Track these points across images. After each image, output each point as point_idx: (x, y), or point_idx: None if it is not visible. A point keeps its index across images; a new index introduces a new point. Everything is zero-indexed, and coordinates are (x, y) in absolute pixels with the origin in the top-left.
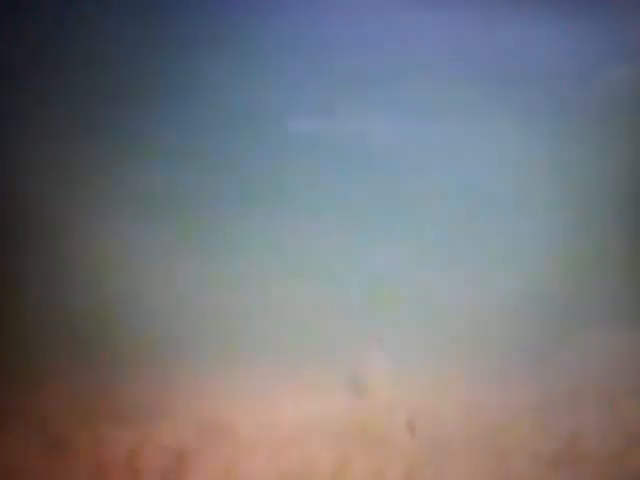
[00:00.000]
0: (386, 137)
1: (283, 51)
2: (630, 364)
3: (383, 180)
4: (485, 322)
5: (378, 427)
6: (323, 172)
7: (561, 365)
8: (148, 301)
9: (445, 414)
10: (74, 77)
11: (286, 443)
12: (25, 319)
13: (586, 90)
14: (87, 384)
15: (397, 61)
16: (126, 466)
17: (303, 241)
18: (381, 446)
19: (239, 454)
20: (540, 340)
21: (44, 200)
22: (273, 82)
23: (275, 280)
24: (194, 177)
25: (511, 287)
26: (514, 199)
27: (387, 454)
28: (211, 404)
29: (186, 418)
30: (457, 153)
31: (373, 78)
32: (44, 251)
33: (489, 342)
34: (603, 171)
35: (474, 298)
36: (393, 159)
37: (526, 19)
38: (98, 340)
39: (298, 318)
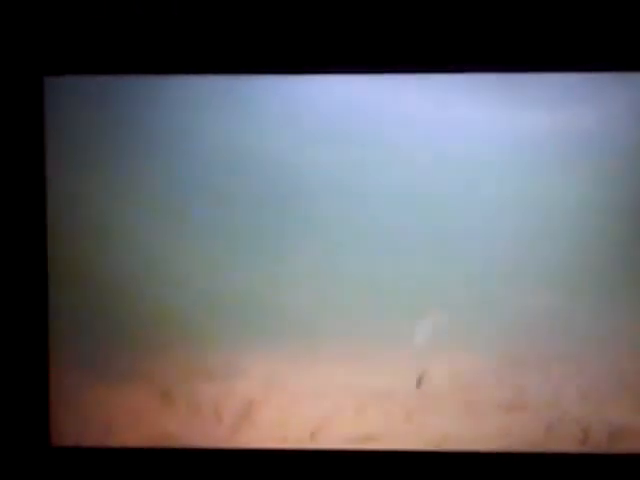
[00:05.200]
0: None
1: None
2: (563, 332)
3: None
4: (454, 301)
5: (385, 384)
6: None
7: (509, 335)
8: (230, 293)
9: (434, 373)
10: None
11: (321, 395)
12: (140, 305)
13: None
14: (185, 352)
15: None
16: (212, 411)
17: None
18: (388, 398)
19: (289, 403)
20: (495, 315)
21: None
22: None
23: (319, 274)
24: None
25: (470, 271)
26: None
27: (392, 403)
28: (271, 366)
29: (254, 376)
30: None
31: None
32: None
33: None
34: None
35: (442, 282)
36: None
37: None
38: (191, 322)
39: (331, 302)
